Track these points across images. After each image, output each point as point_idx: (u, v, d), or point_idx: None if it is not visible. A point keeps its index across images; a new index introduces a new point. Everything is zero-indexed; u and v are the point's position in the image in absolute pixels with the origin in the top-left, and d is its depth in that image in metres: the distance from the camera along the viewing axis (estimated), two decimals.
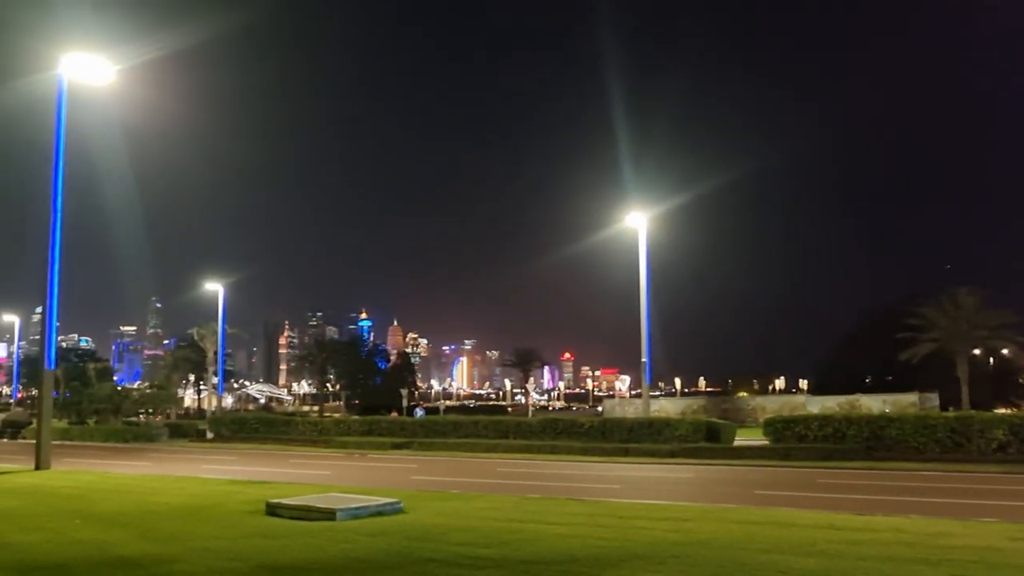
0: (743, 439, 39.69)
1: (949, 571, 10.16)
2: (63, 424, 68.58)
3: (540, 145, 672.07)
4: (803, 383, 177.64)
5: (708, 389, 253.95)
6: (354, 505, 16.10)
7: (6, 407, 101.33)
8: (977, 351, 70.54)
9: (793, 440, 34.29)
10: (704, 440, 36.99)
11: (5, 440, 63.52)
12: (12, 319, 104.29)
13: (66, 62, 33.22)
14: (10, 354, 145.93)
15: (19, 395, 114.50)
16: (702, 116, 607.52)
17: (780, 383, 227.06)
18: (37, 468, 31.42)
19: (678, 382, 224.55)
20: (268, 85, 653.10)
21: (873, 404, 59.06)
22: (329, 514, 15.34)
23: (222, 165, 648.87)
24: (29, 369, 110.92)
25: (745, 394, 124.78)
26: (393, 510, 16.31)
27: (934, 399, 62.49)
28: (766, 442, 35.53)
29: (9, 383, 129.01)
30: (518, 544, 12.36)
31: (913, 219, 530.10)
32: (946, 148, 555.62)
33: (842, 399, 62.55)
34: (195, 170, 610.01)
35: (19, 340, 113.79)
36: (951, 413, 39.26)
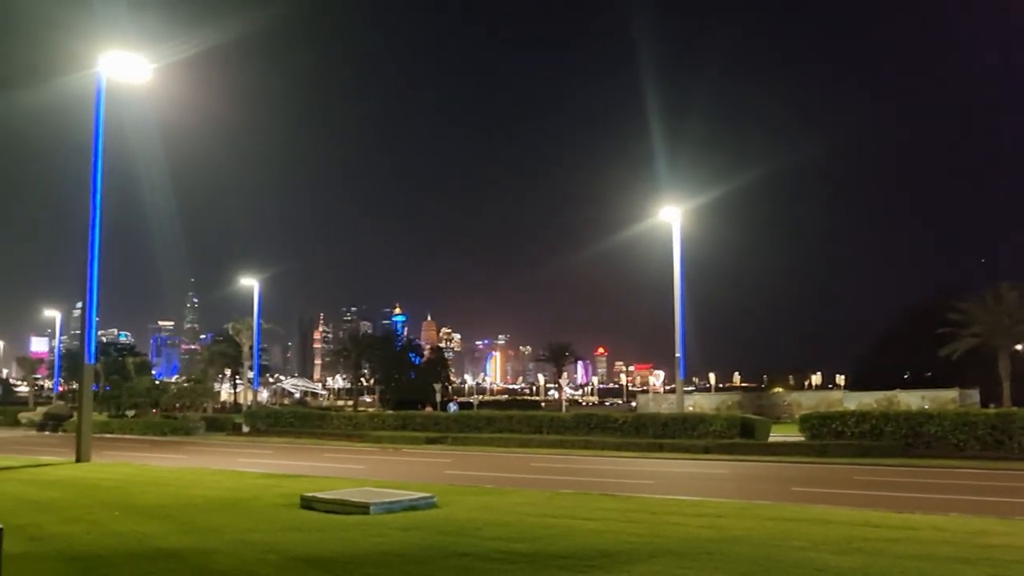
0: (778, 435, 39.31)
1: (989, 570, 9.98)
2: (103, 417, 69.77)
3: (574, 139, 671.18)
4: (840, 379, 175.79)
5: (743, 385, 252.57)
6: (388, 499, 16.19)
7: (48, 400, 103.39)
8: (1019, 347, 69.23)
9: (830, 436, 33.92)
10: (739, 436, 36.67)
11: (47, 433, 64.73)
12: (53, 314, 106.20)
13: (104, 60, 33.74)
14: (51, 348, 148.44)
15: (60, 388, 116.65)
16: (737, 108, 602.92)
17: (817, 379, 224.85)
18: (78, 460, 31.97)
19: (712, 377, 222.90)
20: (302, 80, 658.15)
21: (912, 400, 58.25)
22: (363, 508, 15.44)
23: (257, 161, 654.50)
24: (70, 363, 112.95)
25: (781, 390, 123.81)
26: (426, 504, 16.38)
27: (974, 396, 61.47)
28: (802, 438, 35.16)
29: (51, 377, 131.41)
30: (551, 539, 12.35)
31: (954, 212, 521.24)
32: (987, 139, 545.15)
33: (880, 395, 61.77)
34: (231, 166, 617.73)
35: (60, 335, 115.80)
36: (992, 410, 38.56)
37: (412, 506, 16.08)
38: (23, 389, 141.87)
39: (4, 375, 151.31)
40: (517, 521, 14.37)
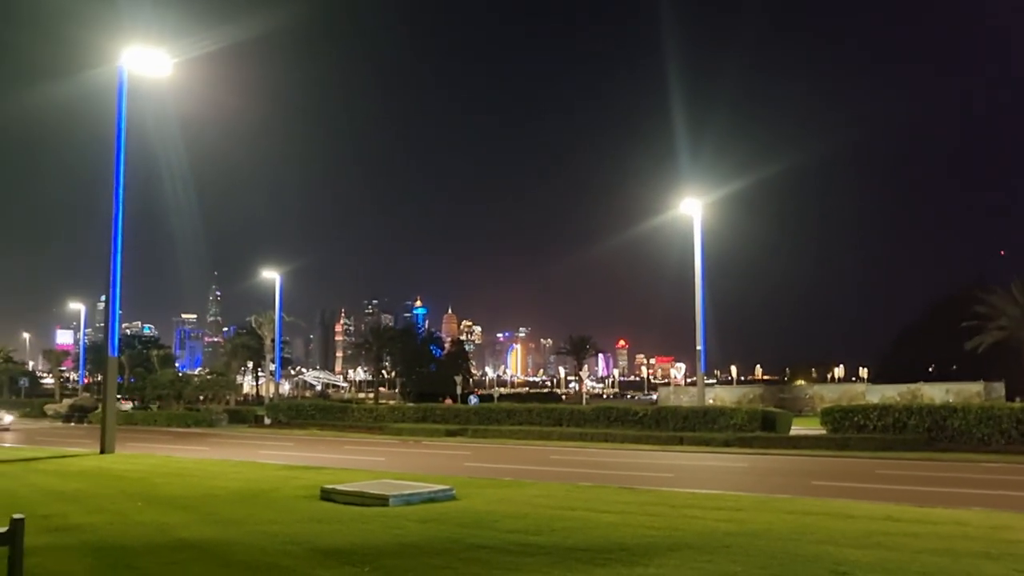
0: (800, 428, 39.12)
1: (1012, 565, 9.87)
2: (127, 409, 70.53)
3: (595, 132, 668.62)
4: (863, 372, 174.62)
5: (765, 378, 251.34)
6: (406, 491, 16.26)
7: (74, 392, 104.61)
8: None
9: (852, 430, 33.69)
10: (760, 429, 36.52)
11: (73, 424, 65.54)
12: (78, 307, 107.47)
13: (126, 55, 33.97)
14: (76, 341, 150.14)
15: (86, 380, 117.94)
16: (763, 100, 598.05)
17: (839, 372, 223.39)
18: (102, 452, 32.35)
19: (734, 370, 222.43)
20: (323, 78, 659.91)
21: (936, 394, 57.71)
22: (382, 500, 15.52)
23: (278, 156, 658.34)
24: (95, 355, 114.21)
25: (803, 383, 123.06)
26: (445, 497, 16.43)
27: (1000, 389, 60.78)
28: (823, 431, 34.97)
29: (76, 369, 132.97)
30: (568, 532, 12.35)
31: (980, 206, 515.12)
32: (1014, 133, 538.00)
33: (903, 388, 61.25)
34: (252, 161, 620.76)
35: (85, 327, 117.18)
36: (1017, 404, 38.16)
37: (431, 498, 16.14)
38: (49, 381, 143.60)
39: (31, 367, 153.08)
40: (535, 514, 14.39)
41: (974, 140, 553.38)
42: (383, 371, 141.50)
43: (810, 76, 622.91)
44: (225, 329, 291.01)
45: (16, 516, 5.38)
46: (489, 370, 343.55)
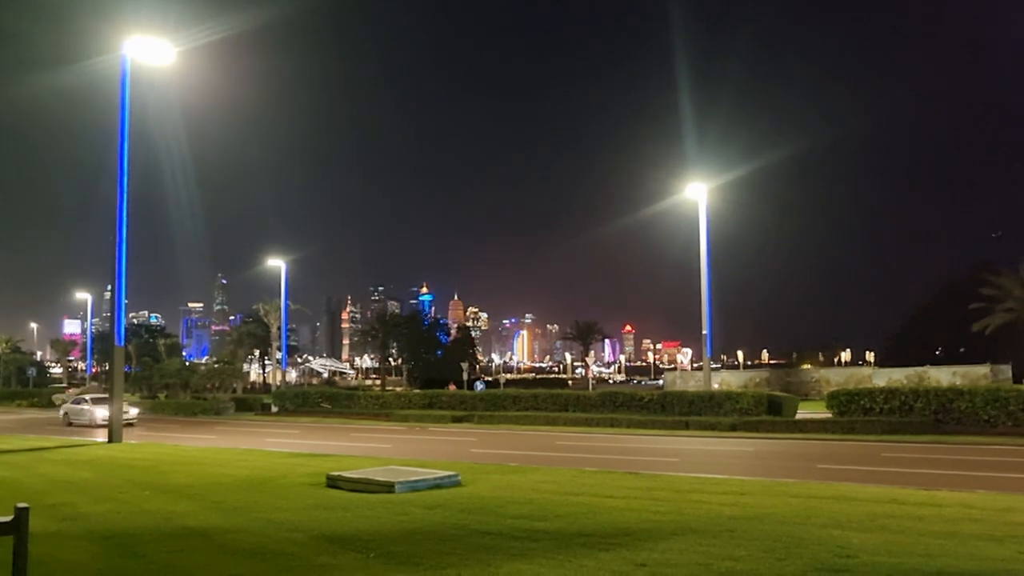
0: (806, 412, 39.10)
1: (1016, 547, 9.87)
2: (135, 398, 70.82)
3: (601, 116, 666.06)
4: (870, 355, 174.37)
5: (771, 362, 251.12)
6: (413, 478, 16.30)
7: (82, 382, 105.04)
8: None
9: (858, 413, 33.66)
10: (766, 413, 36.52)
11: None
12: (85, 297, 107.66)
13: (129, 43, 33.86)
14: (84, 331, 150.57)
15: (93, 370, 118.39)
16: (770, 83, 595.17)
17: (846, 356, 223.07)
18: (110, 441, 32.50)
19: (741, 355, 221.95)
20: (326, 66, 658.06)
21: (942, 376, 57.56)
22: (388, 487, 15.56)
23: (282, 144, 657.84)
24: (102, 345, 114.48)
25: (809, 366, 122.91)
26: (451, 483, 16.47)
27: (1007, 371, 60.63)
28: (830, 415, 34.95)
29: (84, 359, 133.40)
30: (574, 517, 12.38)
31: (989, 189, 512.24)
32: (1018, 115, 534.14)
33: (910, 371, 61.10)
34: (257, 150, 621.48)
35: (91, 317, 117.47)
36: None
37: (436, 484, 16.18)
38: (57, 371, 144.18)
39: (38, 357, 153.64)
40: (540, 499, 14.43)
41: (979, 127, 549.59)
42: (389, 358, 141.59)
43: (819, 61, 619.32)
44: (232, 318, 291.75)
45: (20, 505, 5.40)
46: (495, 356, 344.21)
